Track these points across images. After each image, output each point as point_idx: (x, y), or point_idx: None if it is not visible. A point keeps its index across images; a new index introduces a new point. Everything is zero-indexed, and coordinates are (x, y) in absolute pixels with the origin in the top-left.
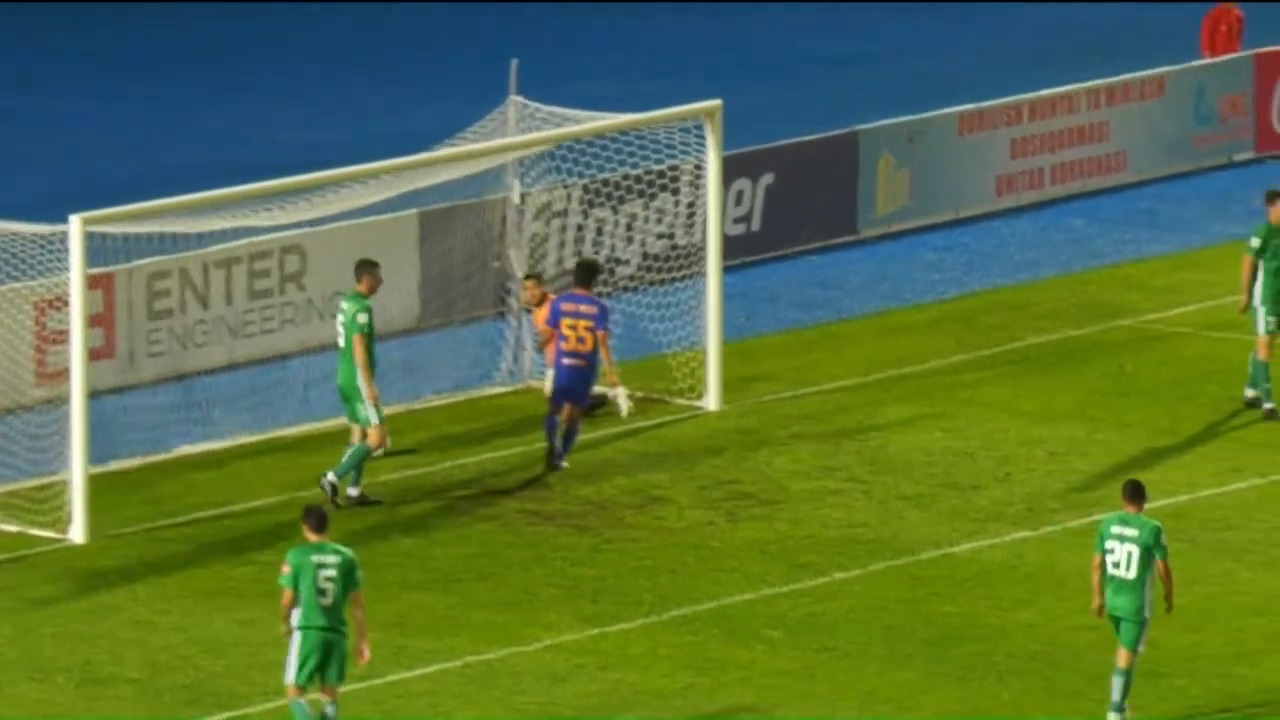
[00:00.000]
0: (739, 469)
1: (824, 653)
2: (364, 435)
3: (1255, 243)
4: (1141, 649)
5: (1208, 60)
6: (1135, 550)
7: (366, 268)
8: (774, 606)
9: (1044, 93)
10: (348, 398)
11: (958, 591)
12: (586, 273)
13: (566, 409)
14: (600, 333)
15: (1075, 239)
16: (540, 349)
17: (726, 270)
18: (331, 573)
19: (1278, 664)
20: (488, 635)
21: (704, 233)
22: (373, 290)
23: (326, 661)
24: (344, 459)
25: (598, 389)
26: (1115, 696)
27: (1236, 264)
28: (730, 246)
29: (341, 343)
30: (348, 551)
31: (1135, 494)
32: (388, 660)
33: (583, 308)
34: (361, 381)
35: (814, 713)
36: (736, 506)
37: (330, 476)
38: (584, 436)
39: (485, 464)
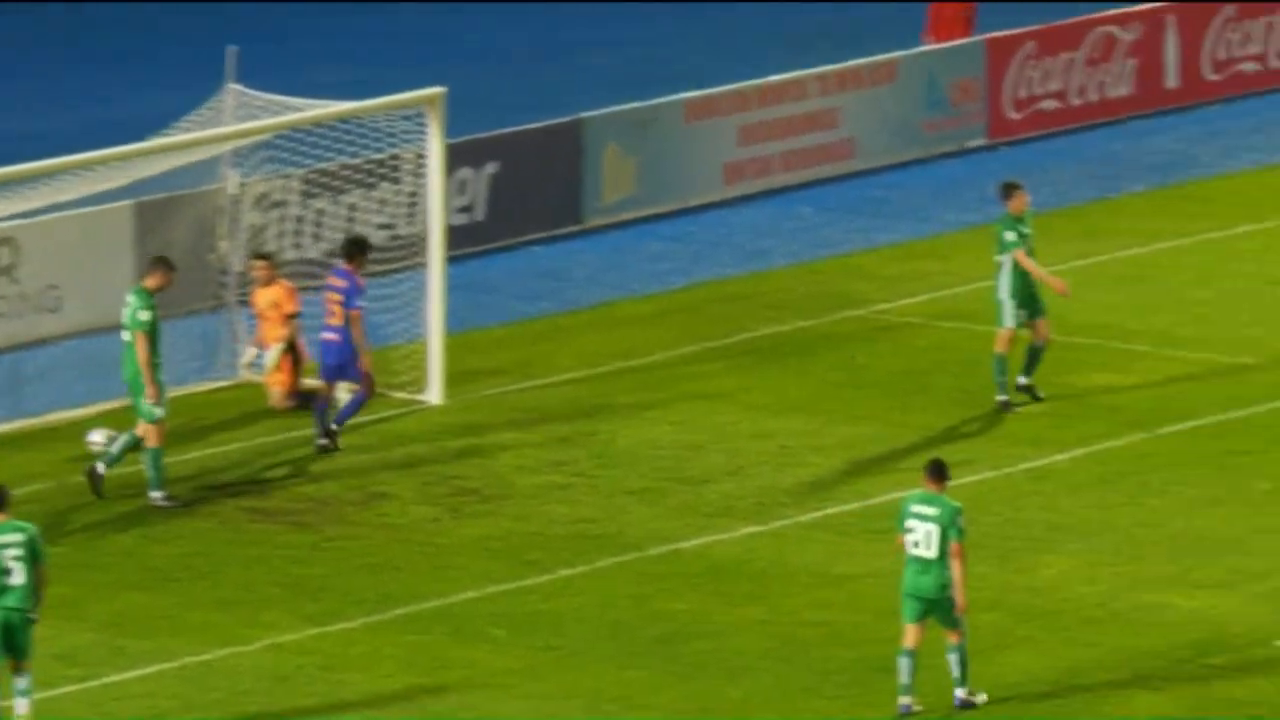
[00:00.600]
0: (463, 464)
1: (550, 651)
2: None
3: (1012, 236)
4: (962, 625)
5: (937, 45)
6: (935, 530)
7: (158, 264)
8: (499, 604)
9: (773, 79)
10: (133, 392)
11: (687, 588)
12: (349, 248)
13: (329, 387)
14: (352, 311)
15: (805, 228)
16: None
17: (450, 261)
18: (16, 551)
19: (1010, 660)
20: (207, 635)
21: (426, 223)
22: (160, 287)
23: (12, 639)
24: (114, 448)
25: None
26: (954, 673)
27: (967, 252)
28: (453, 237)
29: (126, 337)
30: (30, 527)
31: (937, 473)
32: (104, 661)
33: (337, 282)
34: (144, 379)
35: (540, 713)
36: (461, 502)
37: (100, 467)
38: (302, 433)
39: (204, 460)
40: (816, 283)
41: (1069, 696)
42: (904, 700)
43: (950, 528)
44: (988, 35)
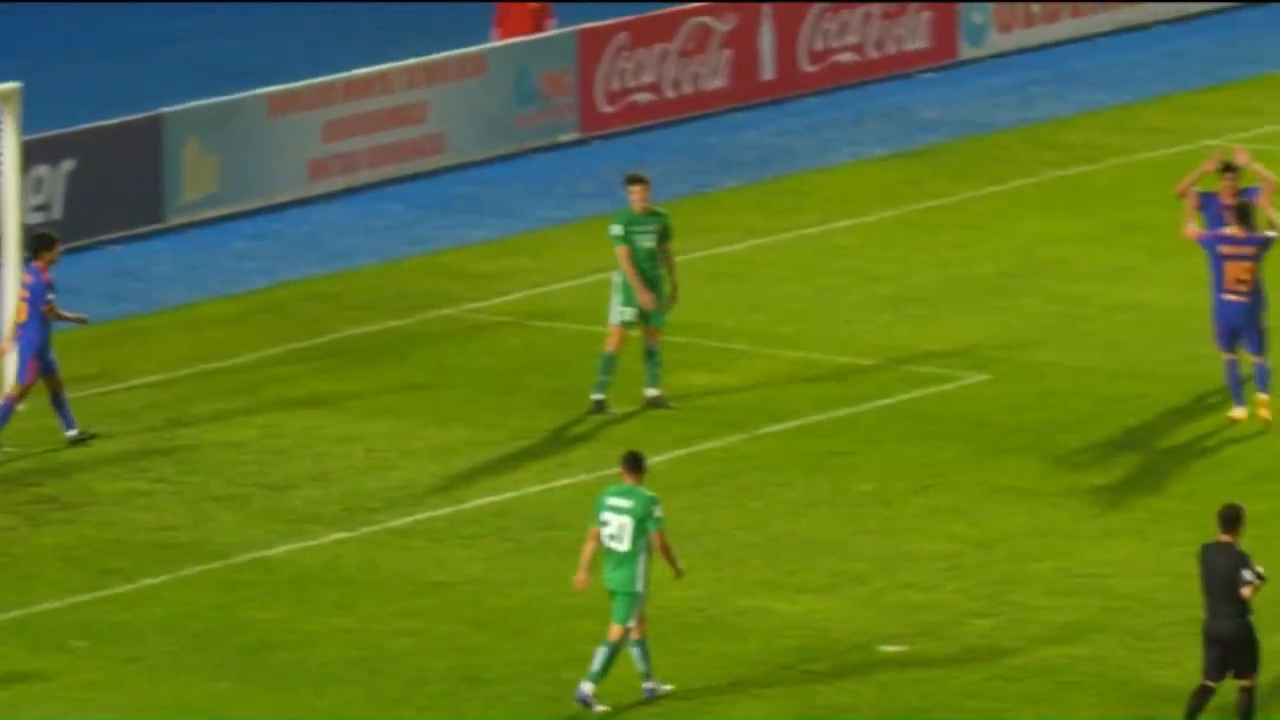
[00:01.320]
0: (41, 470)
1: (132, 663)
2: None
3: (618, 230)
4: (632, 623)
5: (528, 38)
6: (629, 522)
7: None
8: (80, 615)
9: (358, 72)
10: None
11: (272, 597)
12: (33, 244)
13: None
14: (44, 306)
15: (393, 225)
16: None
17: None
18: None
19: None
20: None
21: (1, 222)
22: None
23: None
24: None
25: None
26: (594, 666)
27: (560, 249)
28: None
29: None
30: None
31: (633, 464)
32: None
33: (26, 278)
34: None
35: None
36: (39, 510)
37: None
38: None
39: None
40: (406, 282)
41: (668, 704)
42: (646, 685)
43: (646, 519)
44: (579, 26)
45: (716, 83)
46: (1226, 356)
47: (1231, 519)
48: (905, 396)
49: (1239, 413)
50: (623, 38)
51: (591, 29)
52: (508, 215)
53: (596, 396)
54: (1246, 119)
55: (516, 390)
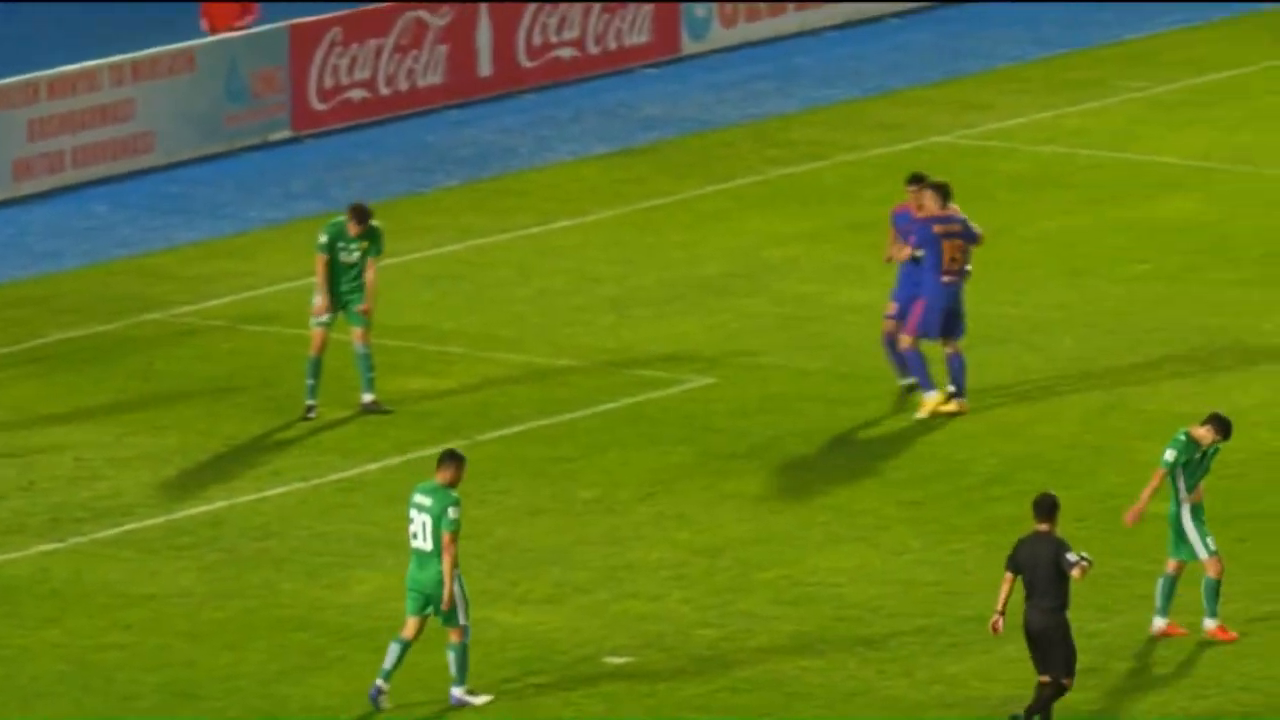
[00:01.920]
0: None
1: None
2: None
3: (323, 239)
4: (464, 621)
5: (236, 34)
6: (429, 521)
7: None
8: None
9: (63, 69)
10: None
11: None
12: None
13: None
14: None
15: (100, 227)
16: None
17: None
18: None
19: (322, 682)
20: None
21: None
22: None
23: None
24: None
25: None
26: (452, 670)
27: (272, 251)
28: None
29: None
30: None
31: (441, 462)
32: None
33: None
34: None
35: None
36: None
37: None
38: None
39: None
40: (114, 285)
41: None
42: (378, 683)
43: (441, 519)
44: (291, 22)
45: (433, 79)
46: (940, 346)
47: (1048, 507)
48: (629, 401)
49: (934, 398)
50: (336, 33)
51: (303, 24)
52: (218, 216)
53: (308, 402)
54: (976, 114)
55: (229, 396)
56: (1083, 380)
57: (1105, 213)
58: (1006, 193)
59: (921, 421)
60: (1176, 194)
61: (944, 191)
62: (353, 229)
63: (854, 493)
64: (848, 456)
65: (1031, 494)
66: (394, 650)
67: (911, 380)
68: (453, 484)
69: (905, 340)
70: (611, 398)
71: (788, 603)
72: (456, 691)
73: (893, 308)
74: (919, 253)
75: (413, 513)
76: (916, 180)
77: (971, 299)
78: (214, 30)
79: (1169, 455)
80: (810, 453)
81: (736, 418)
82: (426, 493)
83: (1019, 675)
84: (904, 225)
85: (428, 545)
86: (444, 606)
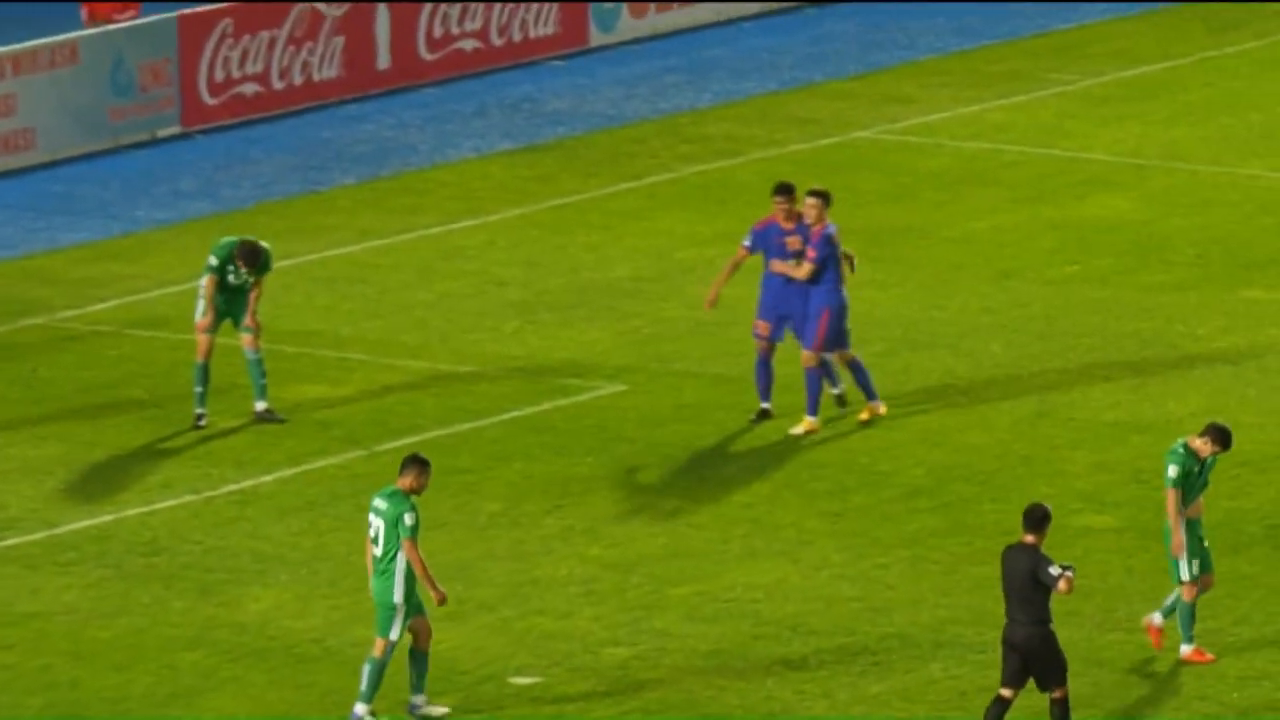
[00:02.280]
0: None
1: None
2: None
3: (213, 261)
4: (394, 636)
5: (122, 24)
6: (383, 526)
7: None
8: None
9: None
10: None
11: None
12: None
13: None
14: None
15: None
16: None
17: None
18: None
19: (215, 703)
20: None
21: None
22: None
23: None
24: None
25: None
26: (362, 685)
27: (162, 252)
28: None
29: None
30: None
31: (404, 467)
32: None
33: None
34: None
35: None
36: None
37: None
38: None
39: None
40: None
41: None
42: (414, 699)
43: (397, 525)
44: (179, 12)
45: (329, 72)
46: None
47: (1038, 519)
48: (535, 409)
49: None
50: (227, 24)
51: (193, 15)
52: (104, 216)
53: (196, 410)
54: (898, 108)
55: (116, 404)
56: (1011, 387)
57: (1034, 211)
58: (931, 191)
59: (840, 431)
60: (1107, 192)
61: (829, 200)
62: (242, 265)
63: (773, 505)
64: (766, 467)
65: (958, 505)
66: (365, 671)
67: (840, 389)
68: (414, 490)
69: (811, 359)
70: (517, 406)
71: (703, 620)
72: (359, 709)
73: (764, 327)
74: (810, 268)
75: (371, 516)
76: (787, 190)
77: (896, 302)
78: (94, 22)
79: (1171, 472)
80: (726, 464)
81: (648, 427)
82: (384, 497)
83: (941, 696)
84: (776, 239)
85: (379, 550)
86: (437, 603)
